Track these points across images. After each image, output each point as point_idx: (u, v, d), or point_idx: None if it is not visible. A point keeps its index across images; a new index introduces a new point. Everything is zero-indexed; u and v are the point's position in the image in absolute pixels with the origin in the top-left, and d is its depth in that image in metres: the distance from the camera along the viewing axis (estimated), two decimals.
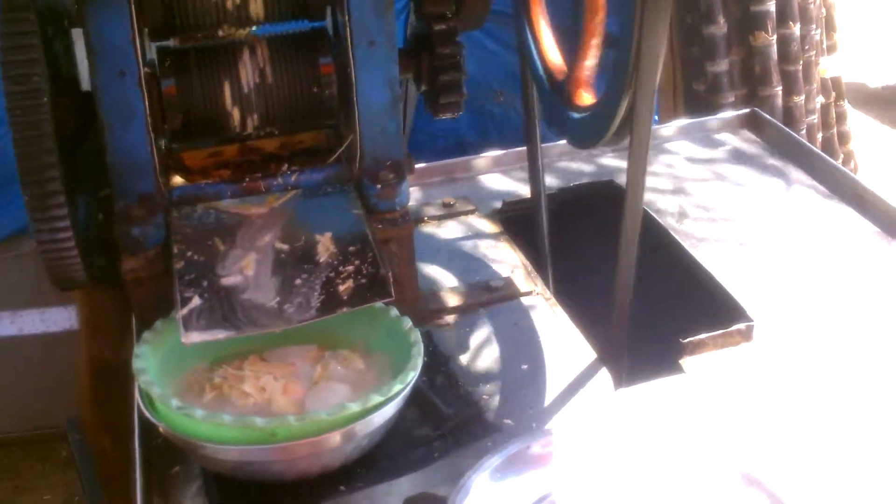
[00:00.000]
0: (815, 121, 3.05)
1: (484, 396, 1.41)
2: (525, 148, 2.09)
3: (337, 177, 1.51)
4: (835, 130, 3.20)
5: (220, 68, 1.45)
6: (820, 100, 3.08)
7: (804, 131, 2.96)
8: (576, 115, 1.47)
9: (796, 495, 1.15)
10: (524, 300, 1.63)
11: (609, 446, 1.22)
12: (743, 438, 1.30)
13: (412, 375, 1.26)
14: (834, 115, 3.20)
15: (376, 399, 1.21)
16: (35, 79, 1.25)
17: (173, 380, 1.32)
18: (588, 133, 1.44)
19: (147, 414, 1.24)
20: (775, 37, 2.90)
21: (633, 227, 1.35)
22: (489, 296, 1.64)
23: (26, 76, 1.25)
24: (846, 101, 3.24)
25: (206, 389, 1.31)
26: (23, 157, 1.26)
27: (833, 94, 3.18)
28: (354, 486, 1.26)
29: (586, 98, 1.49)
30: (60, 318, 2.76)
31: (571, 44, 1.51)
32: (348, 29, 1.39)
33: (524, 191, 1.98)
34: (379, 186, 1.48)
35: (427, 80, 1.56)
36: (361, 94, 1.44)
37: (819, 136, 3.09)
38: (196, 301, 1.28)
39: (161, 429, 1.24)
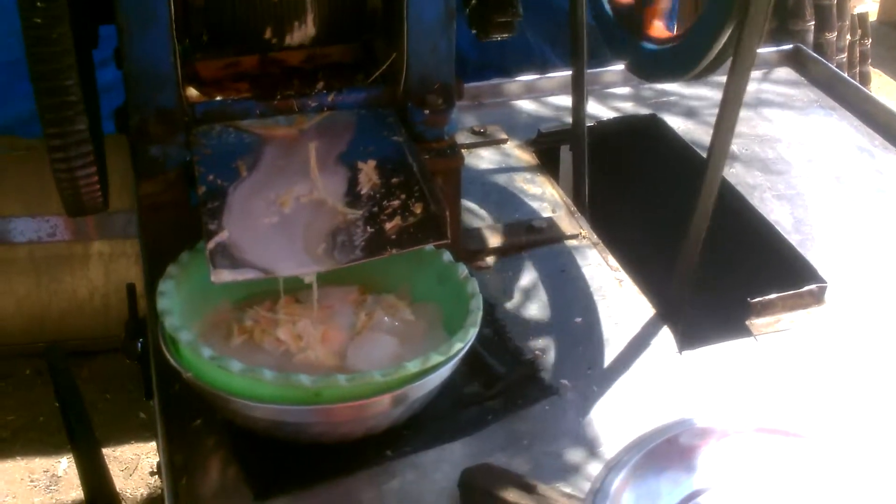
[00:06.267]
0: (844, 60, 2.91)
1: (536, 352, 1.28)
2: (555, 74, 1.96)
3: (378, 98, 1.36)
4: (857, 70, 3.06)
5: None
6: (848, 38, 2.94)
7: None
8: (650, 47, 1.32)
9: (872, 465, 1.06)
10: (569, 243, 1.50)
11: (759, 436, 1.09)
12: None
13: (472, 332, 1.12)
14: (858, 54, 3.05)
15: (436, 359, 1.07)
16: None
17: (198, 319, 1.17)
18: (666, 66, 1.29)
19: (171, 359, 1.10)
20: None
21: (714, 179, 1.21)
22: (531, 237, 1.50)
23: None
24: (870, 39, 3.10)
25: (234, 332, 1.17)
26: (39, 76, 1.09)
27: (859, 31, 3.03)
28: (401, 450, 1.13)
29: (658, 28, 1.34)
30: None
31: None
32: None
33: (556, 119, 1.83)
34: (426, 112, 1.33)
35: None
36: (413, 6, 1.28)
37: (844, 75, 2.95)
38: (224, 234, 1.13)
39: (185, 376, 1.09)
